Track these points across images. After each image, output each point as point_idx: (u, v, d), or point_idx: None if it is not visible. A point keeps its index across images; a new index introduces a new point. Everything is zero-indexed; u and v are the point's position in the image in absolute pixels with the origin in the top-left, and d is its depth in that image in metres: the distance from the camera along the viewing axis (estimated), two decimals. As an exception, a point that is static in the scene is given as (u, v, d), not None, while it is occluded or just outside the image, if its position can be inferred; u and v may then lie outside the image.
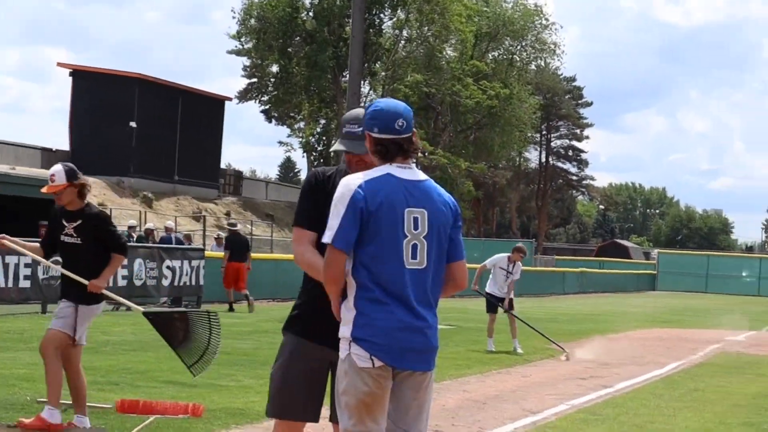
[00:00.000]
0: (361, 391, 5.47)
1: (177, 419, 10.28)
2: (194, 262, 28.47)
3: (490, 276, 21.17)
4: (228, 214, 61.72)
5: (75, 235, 9.80)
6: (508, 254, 20.98)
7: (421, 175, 5.75)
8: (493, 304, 20.98)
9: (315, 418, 6.25)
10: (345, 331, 5.53)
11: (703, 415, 12.81)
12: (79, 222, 9.78)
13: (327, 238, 5.46)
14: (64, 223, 9.88)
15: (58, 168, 9.96)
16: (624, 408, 13.20)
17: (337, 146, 6.07)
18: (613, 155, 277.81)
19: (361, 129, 5.81)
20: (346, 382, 5.51)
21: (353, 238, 5.46)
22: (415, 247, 5.57)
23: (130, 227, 32.11)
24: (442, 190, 5.78)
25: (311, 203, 6.08)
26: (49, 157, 55.45)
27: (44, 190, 10.09)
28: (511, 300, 20.90)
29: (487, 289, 21.14)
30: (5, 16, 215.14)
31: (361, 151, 5.87)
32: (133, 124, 54.64)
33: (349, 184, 5.53)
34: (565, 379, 16.57)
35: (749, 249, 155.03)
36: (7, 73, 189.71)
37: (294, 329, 6.23)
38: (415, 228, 5.56)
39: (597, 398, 14.23)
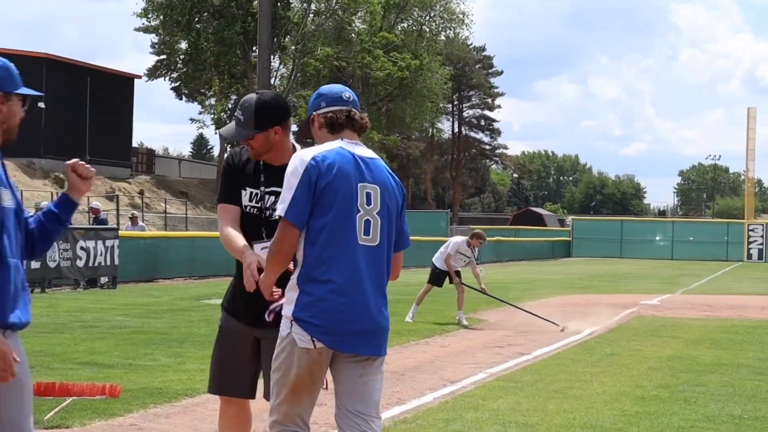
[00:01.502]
0: (294, 372, 5.38)
1: (95, 400, 10.15)
2: (108, 242, 28.13)
3: (440, 251, 20.98)
4: (141, 192, 61.23)
5: None
6: (465, 238, 20.89)
7: (372, 153, 5.69)
8: (439, 278, 20.86)
9: (250, 395, 6.28)
10: (287, 309, 5.39)
11: (620, 379, 12.94)
12: None
13: (280, 211, 5.32)
14: None
15: None
16: (542, 375, 13.29)
17: (224, 130, 6.23)
18: (525, 123, 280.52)
19: (243, 116, 5.91)
20: (281, 359, 5.41)
21: (306, 212, 5.31)
22: (368, 222, 5.46)
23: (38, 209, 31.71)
24: (391, 171, 5.74)
25: (230, 181, 6.08)
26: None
27: None
28: (458, 271, 20.81)
29: (436, 262, 20.99)
30: None
31: (243, 136, 5.95)
32: (41, 104, 53.89)
33: (302, 156, 5.41)
34: (484, 347, 16.65)
35: (662, 213, 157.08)
36: None
37: (224, 306, 6.30)
38: (368, 203, 5.45)
39: (515, 366, 14.31)
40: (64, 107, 57.08)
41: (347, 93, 5.70)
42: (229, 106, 69.74)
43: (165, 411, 10.04)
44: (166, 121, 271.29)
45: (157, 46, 77.99)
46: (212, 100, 74.13)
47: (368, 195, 5.46)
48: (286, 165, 5.52)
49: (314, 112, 5.67)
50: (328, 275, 5.33)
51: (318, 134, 5.67)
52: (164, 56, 76.66)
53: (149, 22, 71.15)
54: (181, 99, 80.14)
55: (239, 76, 67.76)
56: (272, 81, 64.59)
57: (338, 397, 5.54)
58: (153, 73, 77.70)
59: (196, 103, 79.04)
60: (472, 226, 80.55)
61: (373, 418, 5.56)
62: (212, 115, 73.36)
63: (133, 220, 34.76)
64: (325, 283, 5.33)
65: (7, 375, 4.51)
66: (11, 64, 4.93)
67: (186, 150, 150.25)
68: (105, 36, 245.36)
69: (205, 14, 66.66)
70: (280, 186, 5.54)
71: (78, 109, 58.81)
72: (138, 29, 73.58)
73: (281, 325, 5.43)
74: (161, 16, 68.17)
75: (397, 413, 10.27)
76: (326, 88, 5.73)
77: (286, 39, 68.10)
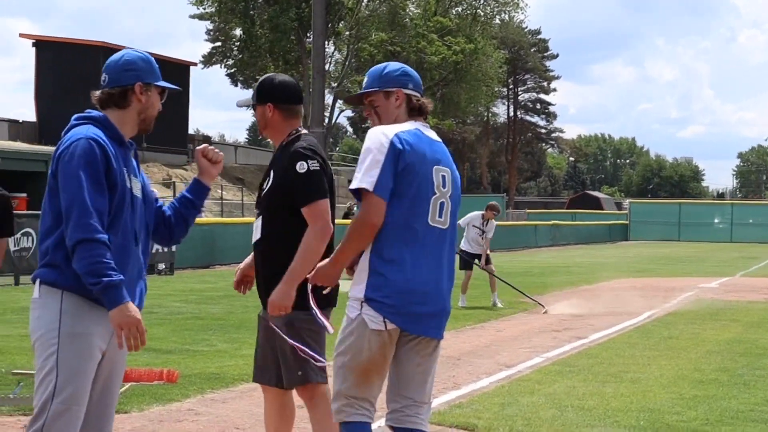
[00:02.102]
0: (365, 355, 5.30)
1: (152, 386, 10.25)
2: (165, 229, 28.26)
3: (464, 234, 21.07)
4: (198, 179, 61.47)
5: None
6: (482, 212, 20.92)
7: (438, 138, 5.69)
8: (468, 261, 20.93)
9: (277, 383, 6.26)
10: (357, 291, 5.33)
11: (678, 363, 12.85)
12: None
13: (367, 184, 5.21)
14: None
15: None
16: (598, 358, 13.23)
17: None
18: (581, 107, 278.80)
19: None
20: (350, 342, 5.33)
21: (390, 188, 5.26)
22: (442, 205, 5.48)
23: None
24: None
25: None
26: (17, 129, 55.05)
27: None
28: (488, 256, 20.85)
29: (462, 247, 21.04)
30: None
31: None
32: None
33: (385, 133, 5.35)
34: (540, 332, 16.60)
35: (720, 196, 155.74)
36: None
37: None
38: (443, 186, 5.48)
39: (571, 350, 14.27)
40: (120, 95, 57.45)
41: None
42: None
43: (222, 396, 10.10)
44: (222, 108, 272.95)
45: (212, 33, 78.21)
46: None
47: (443, 178, 5.47)
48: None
49: (400, 89, 5.63)
50: (402, 256, 5.29)
51: (390, 109, 5.62)
52: (219, 43, 76.84)
53: (204, 9, 71.35)
54: (236, 86, 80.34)
55: (294, 62, 67.78)
56: (326, 66, 64.63)
57: (393, 381, 5.52)
58: (208, 60, 77.93)
59: (251, 90, 79.08)
60: (527, 210, 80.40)
61: (425, 404, 5.54)
62: (267, 102, 73.38)
63: (190, 206, 34.95)
64: (399, 263, 5.29)
65: (138, 343, 4.78)
66: (152, 58, 5.22)
67: (242, 136, 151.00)
68: (161, 24, 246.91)
69: (260, 1, 66.76)
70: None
71: (135, 96, 59.19)
72: (193, 16, 73.80)
73: (348, 307, 5.37)
74: (216, 4, 68.36)
75: (452, 397, 10.27)
76: (412, 71, 5.76)
77: (341, 24, 68.03)
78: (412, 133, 5.40)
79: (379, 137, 5.32)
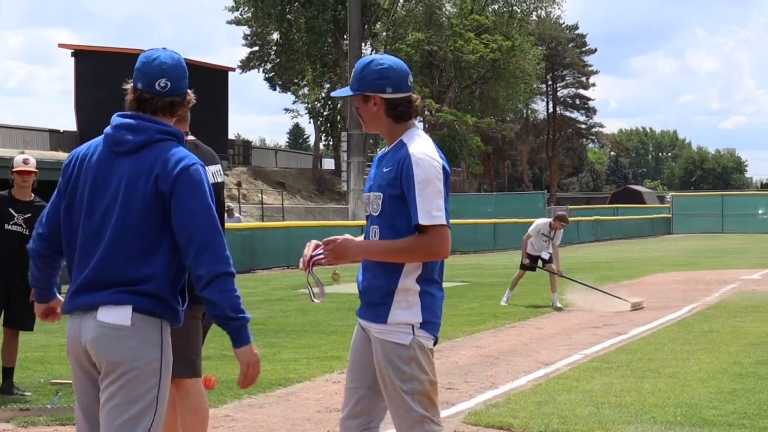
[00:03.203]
0: (430, 375, 5.19)
1: (189, 393, 10.26)
2: (206, 235, 28.36)
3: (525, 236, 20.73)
4: (239, 184, 61.75)
5: (24, 225, 9.97)
6: (549, 220, 20.57)
7: None
8: (531, 261, 20.64)
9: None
10: (408, 316, 5.14)
11: (717, 356, 12.77)
12: (29, 215, 9.95)
13: (439, 220, 5.00)
14: (12, 212, 10.03)
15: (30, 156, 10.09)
16: (638, 354, 13.17)
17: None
18: (622, 101, 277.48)
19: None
20: (416, 370, 5.14)
21: None
22: None
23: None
24: None
25: None
26: (57, 139, 55.54)
27: (21, 169, 10.15)
28: (551, 257, 20.54)
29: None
30: (7, 1, 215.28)
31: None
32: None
33: (431, 156, 5.08)
34: (579, 329, 16.55)
35: (764, 186, 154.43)
36: (11, 57, 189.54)
37: None
38: None
39: (610, 346, 14.21)
40: (159, 103, 57.64)
41: (410, 78, 5.28)
42: (323, 95, 70.00)
43: (258, 401, 10.13)
44: (262, 112, 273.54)
45: (249, 38, 78.54)
46: (305, 90, 74.30)
47: None
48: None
49: (377, 94, 5.17)
50: (440, 274, 5.26)
51: (370, 115, 5.23)
52: (257, 48, 77.19)
53: (241, 14, 71.64)
54: (275, 89, 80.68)
55: (331, 64, 67.93)
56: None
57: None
58: (246, 65, 78.27)
59: (290, 93, 79.44)
60: (569, 206, 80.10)
61: None
62: (306, 105, 73.56)
63: (229, 212, 35.03)
64: (439, 282, 5.26)
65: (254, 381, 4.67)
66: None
67: (283, 140, 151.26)
68: (199, 30, 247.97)
69: (296, 4, 66.91)
70: None
71: (174, 103, 59.35)
72: (230, 22, 74.18)
73: (394, 333, 5.15)
74: (252, 8, 68.62)
75: (489, 397, 10.27)
76: (392, 69, 5.19)
77: (377, 25, 68.12)
78: (438, 150, 5.21)
79: (433, 163, 5.05)
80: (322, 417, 9.31)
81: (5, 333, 10.57)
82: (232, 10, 70.46)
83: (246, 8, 69.59)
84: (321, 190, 70.72)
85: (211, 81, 62.79)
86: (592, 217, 65.19)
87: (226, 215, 29.36)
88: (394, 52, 67.28)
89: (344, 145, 60.25)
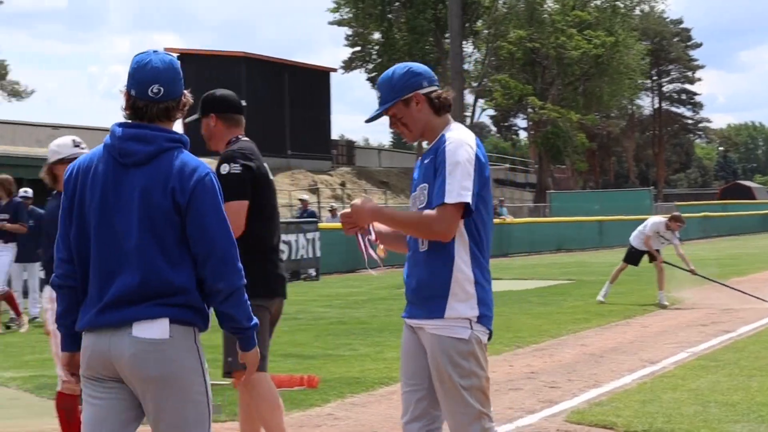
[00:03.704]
0: (486, 370, 5.19)
1: (293, 391, 10.34)
2: (310, 235, 28.58)
3: (638, 230, 20.46)
4: (343, 184, 62.01)
5: None
6: (665, 220, 20.23)
7: None
8: (634, 256, 20.39)
9: None
10: (464, 309, 5.11)
11: (828, 354, 12.52)
12: None
13: (466, 198, 4.96)
14: None
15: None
16: (745, 352, 12.95)
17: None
18: (730, 95, 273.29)
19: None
20: (473, 365, 5.12)
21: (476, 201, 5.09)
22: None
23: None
24: None
25: None
26: (163, 141, 56.31)
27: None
28: (657, 251, 20.24)
29: (631, 242, 20.48)
30: (115, 6, 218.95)
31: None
32: (242, 102, 54.87)
33: (467, 142, 5.11)
34: (687, 326, 16.32)
35: None
36: (120, 62, 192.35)
37: None
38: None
39: (718, 344, 13.99)
40: (264, 104, 58.08)
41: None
42: (425, 94, 69.91)
43: (361, 400, 10.14)
44: (365, 112, 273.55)
45: (351, 39, 78.84)
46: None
47: None
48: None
49: (416, 91, 5.23)
50: (486, 266, 5.21)
51: (414, 116, 5.26)
52: (358, 48, 77.44)
53: (342, 16, 71.95)
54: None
55: (433, 63, 67.93)
56: (466, 66, 64.55)
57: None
58: (348, 65, 78.54)
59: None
60: (676, 203, 79.11)
61: None
62: (409, 105, 73.51)
63: (333, 212, 35.21)
64: (488, 272, 5.22)
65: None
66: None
67: (386, 140, 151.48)
68: (301, 32, 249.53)
69: (397, 4, 67.06)
70: None
71: (277, 105, 59.76)
72: (332, 23, 74.51)
73: (451, 328, 5.11)
74: (353, 9, 68.91)
75: (593, 396, 10.17)
76: (419, 67, 5.32)
77: (478, 23, 67.96)
78: (477, 139, 5.22)
79: (463, 147, 5.07)
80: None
81: None
82: (333, 11, 70.83)
83: (347, 9, 69.91)
84: (424, 190, 70.58)
85: (312, 82, 63.15)
86: (701, 214, 64.22)
87: (330, 215, 29.45)
88: (495, 49, 67.10)
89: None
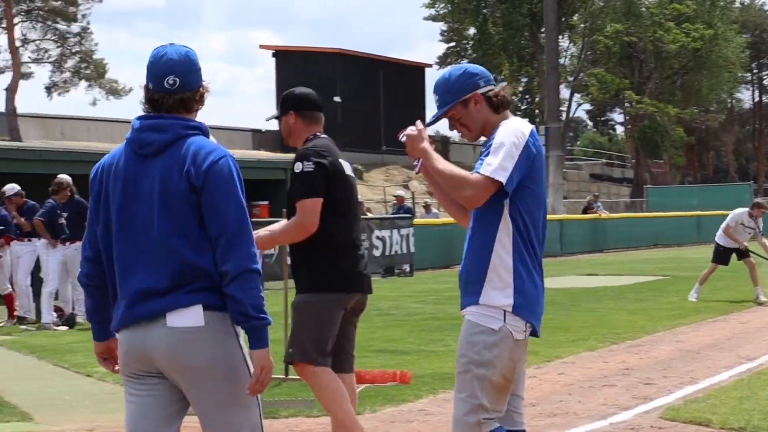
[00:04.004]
0: (509, 367, 5.04)
1: (385, 387, 10.37)
2: (404, 231, 28.60)
3: (722, 227, 20.16)
4: (437, 180, 61.90)
5: None
6: (747, 210, 19.95)
7: None
8: (723, 255, 20.04)
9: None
10: (499, 298, 5.03)
11: None
12: None
13: (499, 176, 4.92)
14: None
15: None
16: None
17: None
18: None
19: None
20: (494, 355, 5.00)
21: (514, 186, 5.00)
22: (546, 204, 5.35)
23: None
24: None
25: None
26: (260, 138, 56.73)
27: None
28: (746, 247, 19.95)
29: (718, 240, 20.13)
30: (212, 3, 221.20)
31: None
32: (337, 99, 55.06)
33: (521, 128, 5.11)
34: (786, 323, 16.08)
35: None
36: (216, 59, 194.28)
37: None
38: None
39: (819, 341, 13.77)
40: (359, 100, 58.23)
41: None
42: (520, 89, 69.65)
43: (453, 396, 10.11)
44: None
45: (446, 34, 78.70)
46: (503, 84, 74.07)
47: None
48: None
49: (474, 92, 5.26)
50: (530, 259, 5.11)
51: (474, 116, 5.28)
52: (453, 43, 77.27)
53: (437, 11, 71.88)
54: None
55: (528, 58, 67.62)
56: (562, 60, 64.12)
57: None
58: (444, 60, 78.33)
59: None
60: (777, 198, 77.75)
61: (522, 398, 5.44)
62: (504, 99, 73.25)
63: (427, 208, 35.18)
64: (530, 264, 5.11)
65: (265, 388, 4.55)
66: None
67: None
68: (397, 28, 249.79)
69: (491, -1, 66.90)
70: None
71: (372, 101, 59.85)
72: (427, 18, 74.48)
73: (483, 316, 5.05)
74: (449, 4, 68.84)
75: (688, 392, 10.07)
76: (475, 67, 5.41)
77: (575, 17, 67.45)
78: (533, 129, 5.21)
79: (514, 131, 5.08)
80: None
81: None
82: (429, 6, 70.80)
83: (442, 4, 69.85)
84: (520, 185, 70.33)
85: (407, 78, 63.15)
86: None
87: (424, 211, 29.34)
88: (591, 44, 66.56)
89: (543, 139, 59.84)
